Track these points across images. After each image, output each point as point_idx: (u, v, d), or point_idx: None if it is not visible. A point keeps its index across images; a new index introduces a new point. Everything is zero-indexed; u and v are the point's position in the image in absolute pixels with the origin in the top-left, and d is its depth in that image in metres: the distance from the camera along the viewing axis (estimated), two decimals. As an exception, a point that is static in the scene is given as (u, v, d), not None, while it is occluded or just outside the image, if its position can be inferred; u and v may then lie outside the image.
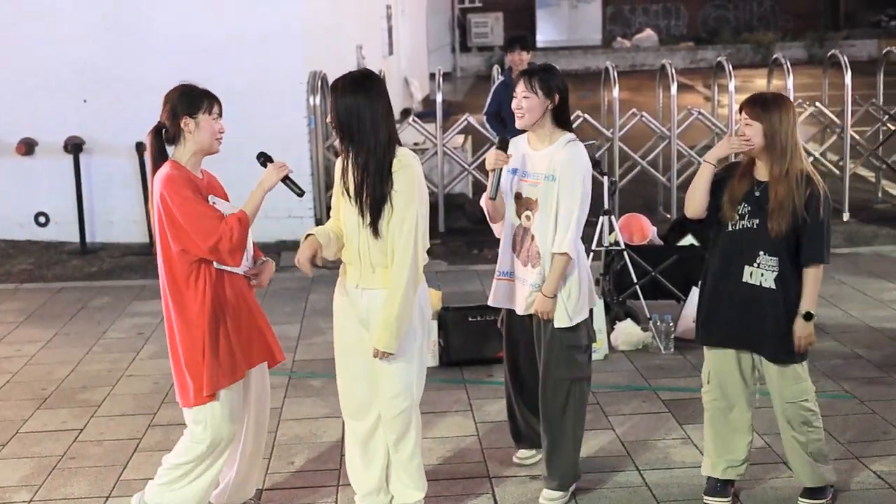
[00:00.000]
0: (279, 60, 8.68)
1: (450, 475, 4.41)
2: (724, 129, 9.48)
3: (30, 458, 4.74)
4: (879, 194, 9.96)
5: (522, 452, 4.47)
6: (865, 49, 24.97)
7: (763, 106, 3.81)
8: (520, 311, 4.15)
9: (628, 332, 5.96)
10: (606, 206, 6.30)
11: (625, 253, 6.19)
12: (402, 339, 3.73)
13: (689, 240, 6.68)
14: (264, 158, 3.93)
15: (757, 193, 3.85)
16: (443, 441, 4.75)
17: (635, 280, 6.18)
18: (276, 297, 7.37)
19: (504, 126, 8.16)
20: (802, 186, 3.77)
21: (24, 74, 8.79)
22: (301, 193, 3.96)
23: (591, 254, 6.29)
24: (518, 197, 4.08)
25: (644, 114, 9.55)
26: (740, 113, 3.89)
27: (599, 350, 5.79)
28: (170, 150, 3.80)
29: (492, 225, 4.24)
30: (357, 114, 3.62)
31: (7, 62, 8.84)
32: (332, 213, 3.92)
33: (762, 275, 3.85)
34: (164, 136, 3.77)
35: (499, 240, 4.21)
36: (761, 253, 3.84)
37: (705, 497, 4.08)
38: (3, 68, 8.84)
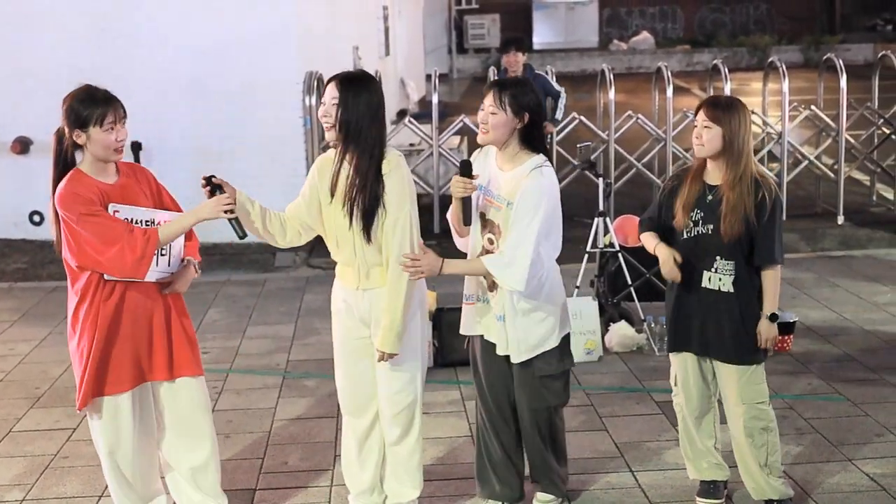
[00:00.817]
0: (275, 61, 8.68)
1: (443, 475, 4.41)
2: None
3: (23, 457, 4.73)
4: (874, 198, 9.97)
5: None
6: (861, 53, 25.03)
7: (723, 109, 3.80)
8: (486, 335, 3.90)
9: (622, 334, 5.97)
10: (601, 207, 6.31)
11: (619, 255, 6.20)
12: (405, 335, 3.75)
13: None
14: (211, 186, 3.63)
15: (709, 198, 3.85)
16: (436, 441, 4.76)
17: (630, 282, 6.19)
18: (271, 297, 7.37)
19: None
20: (753, 189, 3.78)
21: (19, 74, 8.78)
22: (243, 236, 3.77)
23: (587, 255, 6.32)
24: (482, 216, 3.82)
25: (640, 116, 9.58)
26: (696, 115, 3.88)
27: (594, 351, 5.80)
28: None
29: (457, 239, 3.96)
30: (359, 112, 3.58)
31: (2, 62, 8.82)
32: (294, 204, 3.82)
33: (720, 279, 3.86)
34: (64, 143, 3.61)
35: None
36: (718, 258, 3.85)
37: (698, 499, 4.09)
38: (-2, 70, 8.86)
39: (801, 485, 4.23)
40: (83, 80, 9.84)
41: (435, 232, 8.97)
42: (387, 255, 3.68)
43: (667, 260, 3.88)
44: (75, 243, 3.57)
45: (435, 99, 9.28)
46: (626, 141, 9.62)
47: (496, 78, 8.46)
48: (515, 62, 8.19)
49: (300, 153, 8.77)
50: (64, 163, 3.63)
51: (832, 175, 9.40)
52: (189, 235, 3.86)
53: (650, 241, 3.99)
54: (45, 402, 5.42)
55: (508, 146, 3.75)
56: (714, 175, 3.86)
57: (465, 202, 3.74)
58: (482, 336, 3.95)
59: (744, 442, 3.94)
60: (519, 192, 3.66)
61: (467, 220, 3.78)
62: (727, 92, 9.27)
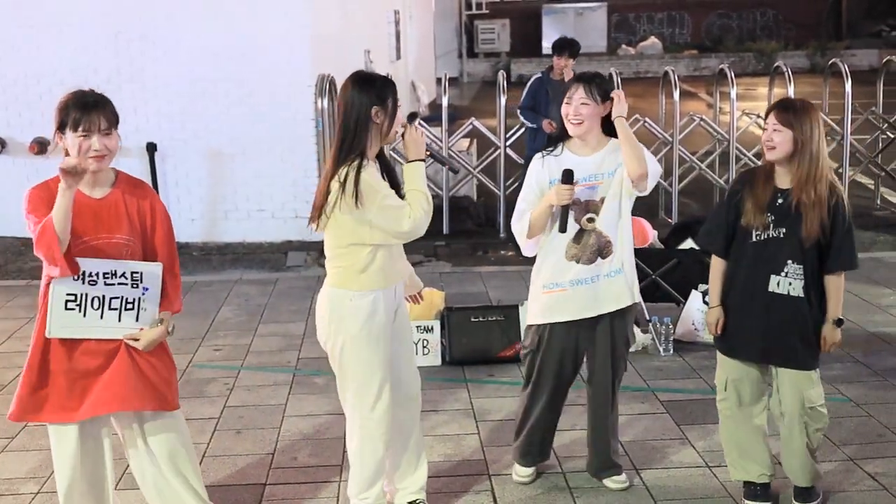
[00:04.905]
0: (288, 64, 8.77)
1: (450, 472, 4.47)
2: (725, 136, 9.57)
3: (38, 450, 4.79)
4: (878, 201, 10.03)
5: (525, 471, 4.38)
6: (866, 58, 25.04)
7: (794, 112, 3.77)
8: (604, 309, 4.07)
9: (628, 335, 6.03)
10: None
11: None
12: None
13: (689, 243, 6.77)
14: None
15: (780, 201, 3.81)
16: (444, 439, 4.82)
17: (636, 283, 6.25)
18: (283, 295, 7.45)
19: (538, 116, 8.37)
20: (827, 194, 3.75)
21: (37, 76, 8.89)
22: (563, 230, 3.99)
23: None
24: (576, 203, 4.00)
25: (647, 120, 9.64)
26: (766, 118, 3.86)
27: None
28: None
29: (526, 242, 4.08)
30: None
31: (20, 66, 8.94)
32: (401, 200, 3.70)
33: (790, 283, 3.82)
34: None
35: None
36: (789, 262, 3.81)
37: (746, 502, 4.09)
38: (16, 72, 8.96)
39: (803, 483, 4.28)
40: (99, 82, 9.93)
41: (445, 232, 9.04)
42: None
43: (711, 323, 4.02)
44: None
45: (445, 102, 9.36)
46: (633, 144, 9.67)
47: (540, 74, 8.60)
48: (566, 66, 8.31)
49: (311, 155, 8.85)
50: None
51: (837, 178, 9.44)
52: (171, 287, 3.54)
53: (715, 282, 4.02)
54: (61, 397, 5.49)
55: (593, 133, 4.01)
56: (784, 179, 3.82)
57: (564, 208, 3.96)
58: (558, 322, 4.11)
59: (801, 442, 3.94)
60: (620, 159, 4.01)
61: (563, 227, 3.98)
62: (733, 97, 9.35)
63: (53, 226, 3.24)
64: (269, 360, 6.07)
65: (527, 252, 4.16)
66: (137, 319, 3.49)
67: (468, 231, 9.16)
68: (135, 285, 3.46)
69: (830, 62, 10.19)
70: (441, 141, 9.20)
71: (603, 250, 4.04)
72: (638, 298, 4.16)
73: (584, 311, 4.07)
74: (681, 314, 6.17)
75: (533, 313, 4.16)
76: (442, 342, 5.84)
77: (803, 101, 3.89)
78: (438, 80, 10.15)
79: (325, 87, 8.78)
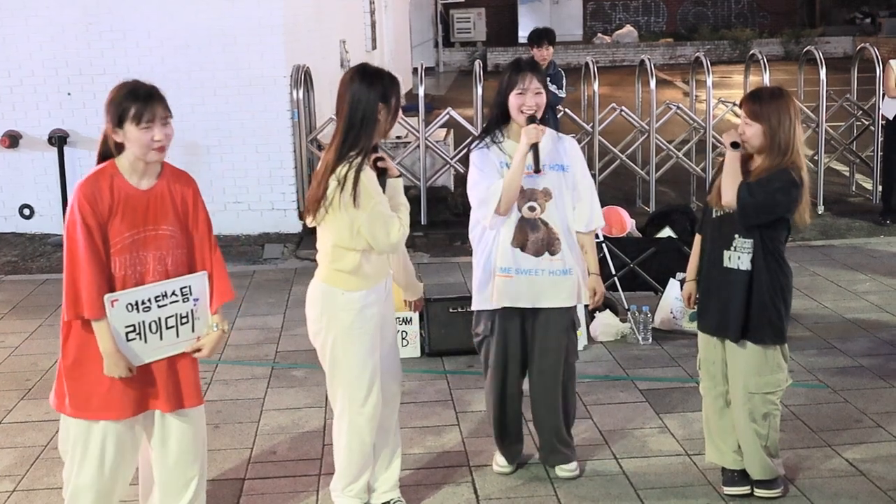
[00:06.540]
0: (262, 54, 8.71)
1: (430, 464, 4.46)
2: (701, 124, 9.60)
3: (13, 448, 4.77)
4: (853, 188, 10.10)
5: (506, 461, 4.40)
6: (840, 46, 25.25)
7: (762, 104, 3.79)
8: (533, 304, 4.12)
9: (607, 324, 6.04)
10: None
11: (603, 245, 6.28)
12: None
13: (666, 232, 6.79)
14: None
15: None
16: (423, 430, 4.82)
17: (614, 272, 6.27)
18: (260, 288, 7.41)
19: None
20: (776, 171, 3.80)
21: (8, 69, 8.79)
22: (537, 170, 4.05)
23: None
24: (520, 190, 4.05)
25: (623, 108, 9.65)
26: (740, 107, 3.90)
27: (578, 340, 5.87)
28: None
29: (494, 217, 4.05)
30: None
31: (-10, 56, 8.84)
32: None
33: (739, 258, 3.89)
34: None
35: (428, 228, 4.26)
36: (736, 236, 3.89)
37: (725, 488, 4.09)
38: (-14, 62, 8.85)
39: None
40: (71, 75, 9.82)
41: (422, 223, 9.03)
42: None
43: (684, 296, 4.21)
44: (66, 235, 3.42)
45: (421, 92, 9.34)
46: (610, 133, 9.69)
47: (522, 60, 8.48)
48: (547, 56, 8.26)
49: (287, 146, 8.81)
50: (105, 158, 3.46)
51: (812, 165, 9.50)
52: (218, 282, 3.56)
53: (693, 258, 4.18)
54: (36, 393, 5.45)
55: None
56: (756, 163, 3.87)
57: (535, 147, 4.01)
58: (508, 308, 4.13)
59: (748, 426, 3.94)
60: (565, 152, 4.17)
61: (537, 166, 4.03)
62: (709, 84, 9.38)
63: (91, 292, 3.31)
64: (246, 353, 6.05)
65: (492, 227, 4.09)
66: (193, 330, 3.54)
67: (446, 221, 9.15)
68: (185, 300, 3.50)
69: (805, 50, 10.25)
70: (418, 131, 9.17)
71: (551, 247, 4.10)
72: (583, 302, 4.21)
73: (524, 300, 4.12)
74: (659, 303, 6.19)
75: (484, 297, 4.15)
76: (421, 333, 5.83)
77: (774, 90, 3.90)
78: (415, 70, 10.12)
79: (300, 78, 8.74)
